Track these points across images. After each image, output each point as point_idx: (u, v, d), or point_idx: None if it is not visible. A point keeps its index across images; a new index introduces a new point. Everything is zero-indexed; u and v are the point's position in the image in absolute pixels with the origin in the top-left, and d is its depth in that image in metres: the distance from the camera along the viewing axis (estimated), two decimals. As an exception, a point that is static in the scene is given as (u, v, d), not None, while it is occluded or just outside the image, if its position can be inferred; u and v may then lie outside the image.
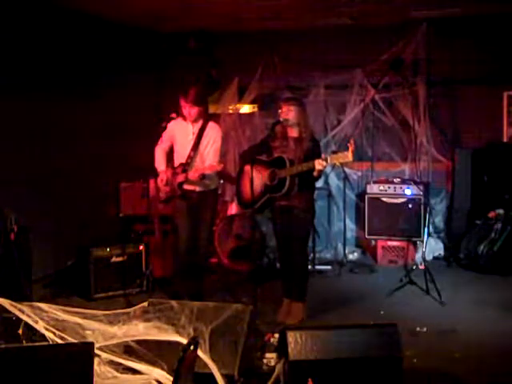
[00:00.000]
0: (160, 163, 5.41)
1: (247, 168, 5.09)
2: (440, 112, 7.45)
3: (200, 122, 5.32)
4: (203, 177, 5.19)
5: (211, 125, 5.37)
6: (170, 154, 5.50)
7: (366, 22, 7.22)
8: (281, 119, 4.99)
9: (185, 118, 5.31)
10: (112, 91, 6.91)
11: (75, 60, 6.49)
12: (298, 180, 4.90)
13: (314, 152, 4.95)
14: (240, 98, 7.91)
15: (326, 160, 4.71)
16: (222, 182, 6.63)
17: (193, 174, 5.19)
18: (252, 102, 7.89)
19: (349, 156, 4.61)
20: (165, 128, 5.34)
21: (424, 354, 4.29)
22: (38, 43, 6.02)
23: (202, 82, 7.18)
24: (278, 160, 4.99)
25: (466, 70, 7.25)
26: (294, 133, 5.06)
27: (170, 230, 6.20)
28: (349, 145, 4.65)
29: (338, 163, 4.85)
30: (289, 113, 4.99)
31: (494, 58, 7.11)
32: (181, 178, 5.26)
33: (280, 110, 5.06)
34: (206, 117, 5.45)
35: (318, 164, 4.70)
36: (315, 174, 4.80)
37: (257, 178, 5.00)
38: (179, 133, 5.35)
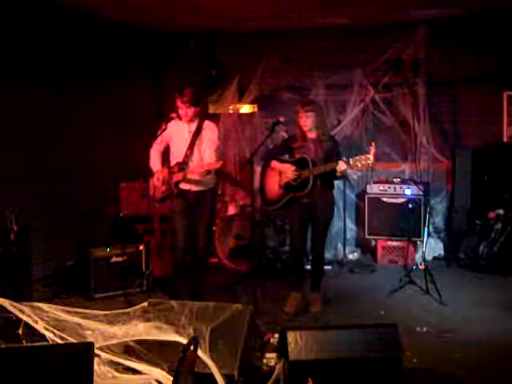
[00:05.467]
0: (155, 163, 5.42)
1: (274, 165, 5.36)
2: (440, 112, 7.45)
3: (196, 122, 5.33)
4: (208, 172, 5.19)
5: (207, 124, 5.38)
6: (165, 155, 5.51)
7: (365, 21, 7.23)
8: (280, 119, 5.22)
9: (180, 118, 5.31)
10: (112, 91, 6.92)
11: (75, 59, 6.49)
12: (320, 179, 5.12)
13: (334, 152, 5.19)
14: (240, 98, 7.91)
15: (348, 162, 4.93)
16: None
17: (191, 173, 5.19)
18: (252, 102, 7.89)
19: (370, 158, 4.86)
20: (165, 128, 5.33)
21: (424, 353, 4.30)
22: (38, 43, 6.02)
23: (197, 82, 7.18)
24: (300, 160, 5.20)
25: (466, 70, 7.25)
26: (312, 134, 5.26)
27: (170, 230, 6.20)
28: (371, 147, 4.93)
29: (359, 165, 4.98)
30: (307, 120, 5.18)
31: (494, 58, 7.10)
32: (178, 176, 5.26)
33: (297, 116, 5.23)
34: (202, 116, 5.45)
35: (341, 166, 4.93)
36: (338, 174, 5.04)
37: (280, 178, 5.28)
38: (176, 133, 5.35)
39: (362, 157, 4.90)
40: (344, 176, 5.26)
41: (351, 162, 4.92)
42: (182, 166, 5.26)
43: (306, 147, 5.23)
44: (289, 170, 5.24)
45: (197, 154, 5.29)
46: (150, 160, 5.44)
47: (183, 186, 5.29)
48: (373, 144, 5.03)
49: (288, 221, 6.03)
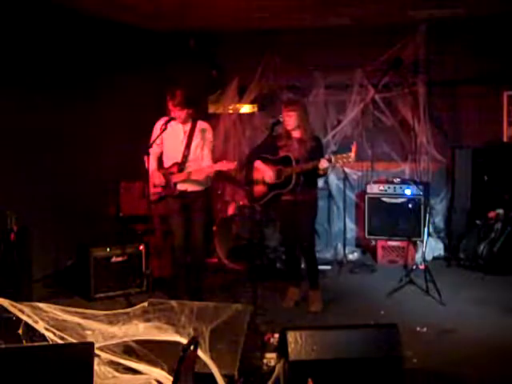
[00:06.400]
0: (152, 164, 5.40)
1: (258, 165, 5.45)
2: (440, 112, 7.45)
3: (190, 122, 5.34)
4: (208, 175, 5.27)
5: (201, 123, 5.40)
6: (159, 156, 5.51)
7: (365, 22, 7.23)
8: (280, 119, 5.27)
9: (174, 119, 5.31)
10: (112, 91, 6.91)
11: (75, 60, 6.49)
12: (303, 177, 5.21)
13: (317, 151, 5.27)
14: (240, 98, 7.91)
15: (330, 160, 5.02)
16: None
17: (197, 173, 5.20)
18: (252, 102, 7.89)
19: (352, 156, 4.96)
20: (165, 128, 5.30)
21: (424, 353, 4.30)
22: (38, 43, 6.02)
23: (197, 83, 7.17)
24: (284, 158, 5.30)
25: (466, 69, 7.25)
26: (296, 134, 5.35)
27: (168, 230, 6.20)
28: (352, 146, 5.02)
29: (341, 163, 5.08)
30: (289, 119, 5.28)
31: (494, 57, 7.11)
32: (180, 177, 5.25)
33: (281, 115, 5.32)
34: (196, 116, 5.45)
35: (323, 163, 5.01)
36: (320, 172, 5.15)
37: (266, 175, 5.37)
38: (169, 134, 5.34)
39: (344, 155, 5.01)
40: (326, 174, 5.38)
41: (333, 160, 5.02)
42: (181, 166, 5.27)
43: (291, 146, 5.33)
44: (268, 173, 5.36)
45: (193, 153, 5.30)
46: (149, 162, 5.41)
47: (180, 186, 5.30)
48: (354, 143, 5.17)
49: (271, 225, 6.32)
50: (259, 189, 5.47)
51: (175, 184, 5.28)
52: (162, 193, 5.34)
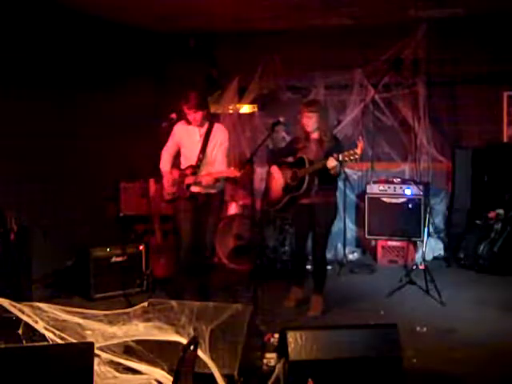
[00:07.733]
0: (165, 165, 5.40)
1: (273, 170, 5.43)
2: (440, 112, 7.45)
3: (206, 124, 5.30)
4: (217, 180, 5.20)
5: (217, 126, 5.36)
6: (175, 157, 5.50)
7: (366, 21, 7.23)
8: (280, 119, 5.22)
9: (189, 123, 5.28)
10: (112, 91, 6.92)
11: (75, 60, 6.50)
12: (318, 178, 5.12)
13: (335, 151, 5.09)
14: (240, 98, 7.91)
15: (337, 158, 4.91)
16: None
17: (206, 179, 5.18)
18: (252, 102, 7.89)
19: (357, 152, 4.85)
20: (165, 128, 5.31)
21: (424, 353, 4.29)
22: (39, 43, 6.03)
23: (200, 85, 7.16)
24: (299, 160, 5.22)
25: (466, 69, 7.25)
26: (315, 135, 5.25)
27: (170, 230, 6.20)
28: (358, 142, 4.94)
29: (348, 160, 4.97)
30: (309, 120, 5.18)
31: (493, 58, 7.11)
32: (191, 180, 5.24)
33: (300, 116, 5.23)
34: (211, 118, 5.44)
35: (331, 162, 4.92)
36: (331, 172, 5.02)
37: (281, 179, 5.33)
38: (185, 137, 5.33)
39: (351, 151, 4.91)
40: (337, 174, 5.17)
41: (340, 158, 4.92)
42: (195, 169, 5.25)
43: (308, 148, 5.24)
44: (280, 178, 5.34)
45: (208, 156, 5.27)
46: (161, 162, 5.43)
47: (193, 188, 5.28)
48: (360, 139, 5.15)
49: (290, 222, 6.23)
50: (274, 194, 5.43)
51: (188, 186, 5.27)
52: (176, 193, 5.33)
